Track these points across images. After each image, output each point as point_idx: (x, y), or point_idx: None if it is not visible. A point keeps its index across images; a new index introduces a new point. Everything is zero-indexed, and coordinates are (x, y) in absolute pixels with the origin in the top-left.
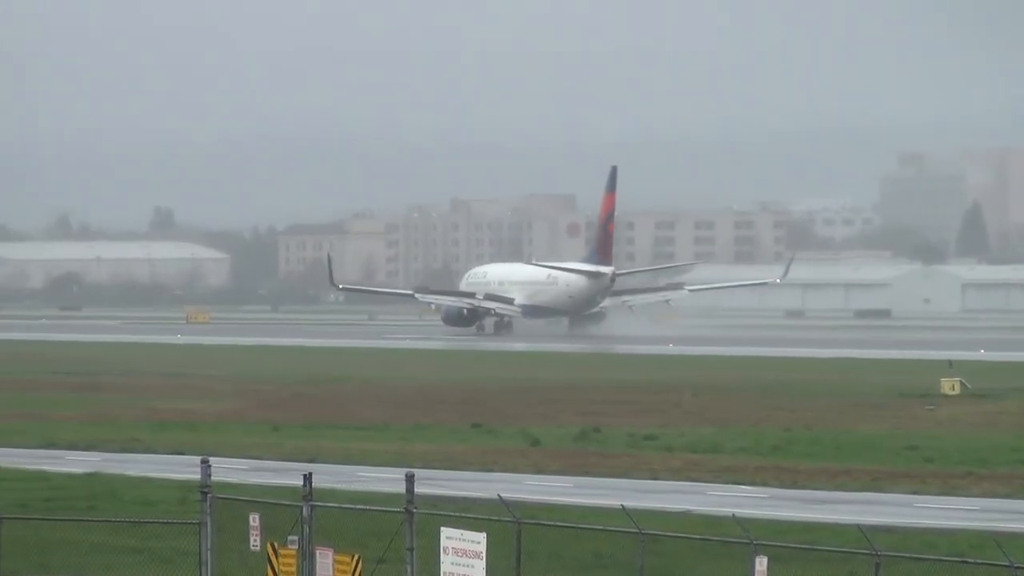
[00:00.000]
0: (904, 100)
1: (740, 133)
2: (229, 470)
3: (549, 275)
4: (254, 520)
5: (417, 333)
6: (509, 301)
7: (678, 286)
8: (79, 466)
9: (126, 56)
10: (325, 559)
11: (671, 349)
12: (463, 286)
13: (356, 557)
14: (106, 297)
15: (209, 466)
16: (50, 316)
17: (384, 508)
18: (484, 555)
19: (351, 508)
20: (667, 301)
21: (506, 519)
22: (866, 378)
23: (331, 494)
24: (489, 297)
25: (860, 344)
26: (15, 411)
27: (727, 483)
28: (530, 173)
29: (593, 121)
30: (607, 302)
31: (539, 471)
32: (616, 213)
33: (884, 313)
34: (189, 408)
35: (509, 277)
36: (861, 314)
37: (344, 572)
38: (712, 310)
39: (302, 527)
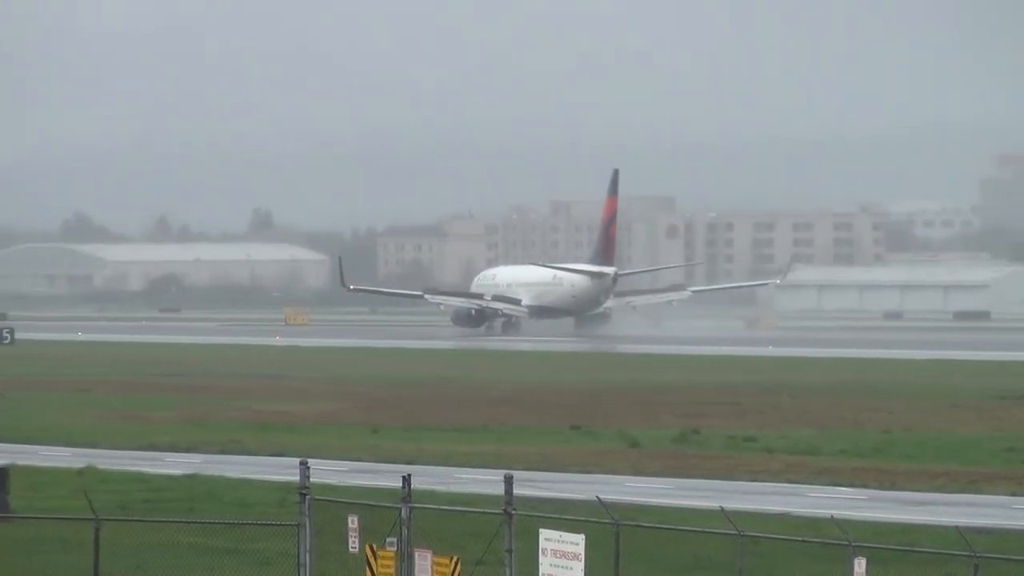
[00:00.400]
0: (1002, 100)
1: (838, 133)
2: (328, 472)
3: (554, 276)
4: (353, 522)
5: (525, 335)
6: (516, 302)
7: (680, 287)
8: (178, 468)
9: (225, 63)
10: (424, 561)
11: (769, 351)
12: (473, 287)
13: (455, 559)
14: (205, 299)
15: (308, 468)
16: (149, 318)
17: (483, 510)
18: (583, 557)
19: (450, 510)
20: (670, 302)
21: (605, 521)
22: (965, 380)
23: (430, 496)
24: (497, 298)
25: (959, 346)
26: (115, 412)
27: (826, 485)
28: (630, 174)
29: (693, 121)
30: (611, 302)
31: (638, 473)
32: (715, 214)
33: (983, 315)
34: (288, 410)
35: (517, 279)
36: (960, 316)
37: (443, 574)
38: (811, 312)
39: (400, 529)
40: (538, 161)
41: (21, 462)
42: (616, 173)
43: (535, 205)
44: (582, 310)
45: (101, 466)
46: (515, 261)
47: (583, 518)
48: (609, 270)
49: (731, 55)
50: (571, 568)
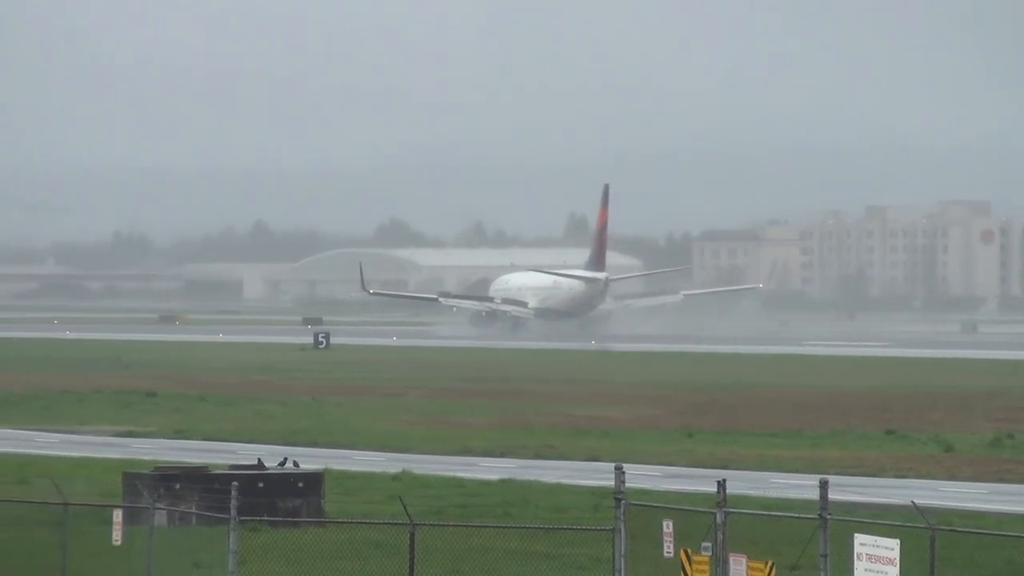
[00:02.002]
0: None
1: None
2: (642, 476)
3: (555, 281)
4: (668, 526)
5: (834, 339)
6: (523, 304)
7: (673, 291)
8: (493, 473)
9: (535, 71)
10: (739, 565)
11: None
12: (491, 291)
13: (769, 563)
14: None
15: (623, 472)
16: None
17: (797, 515)
18: (898, 562)
19: (764, 514)
20: (664, 305)
21: (920, 526)
22: None
23: (744, 500)
24: (506, 301)
25: None
26: (429, 417)
27: None
28: (948, 178)
29: (1008, 124)
30: (611, 305)
31: (952, 477)
32: None
33: None
34: (602, 414)
35: (525, 283)
36: None
37: None
38: None
39: (715, 533)
40: (856, 165)
41: (335, 467)
42: (607, 187)
43: (851, 210)
44: (580, 312)
45: (415, 471)
46: (829, 266)
47: (898, 523)
48: (601, 275)
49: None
50: (886, 573)
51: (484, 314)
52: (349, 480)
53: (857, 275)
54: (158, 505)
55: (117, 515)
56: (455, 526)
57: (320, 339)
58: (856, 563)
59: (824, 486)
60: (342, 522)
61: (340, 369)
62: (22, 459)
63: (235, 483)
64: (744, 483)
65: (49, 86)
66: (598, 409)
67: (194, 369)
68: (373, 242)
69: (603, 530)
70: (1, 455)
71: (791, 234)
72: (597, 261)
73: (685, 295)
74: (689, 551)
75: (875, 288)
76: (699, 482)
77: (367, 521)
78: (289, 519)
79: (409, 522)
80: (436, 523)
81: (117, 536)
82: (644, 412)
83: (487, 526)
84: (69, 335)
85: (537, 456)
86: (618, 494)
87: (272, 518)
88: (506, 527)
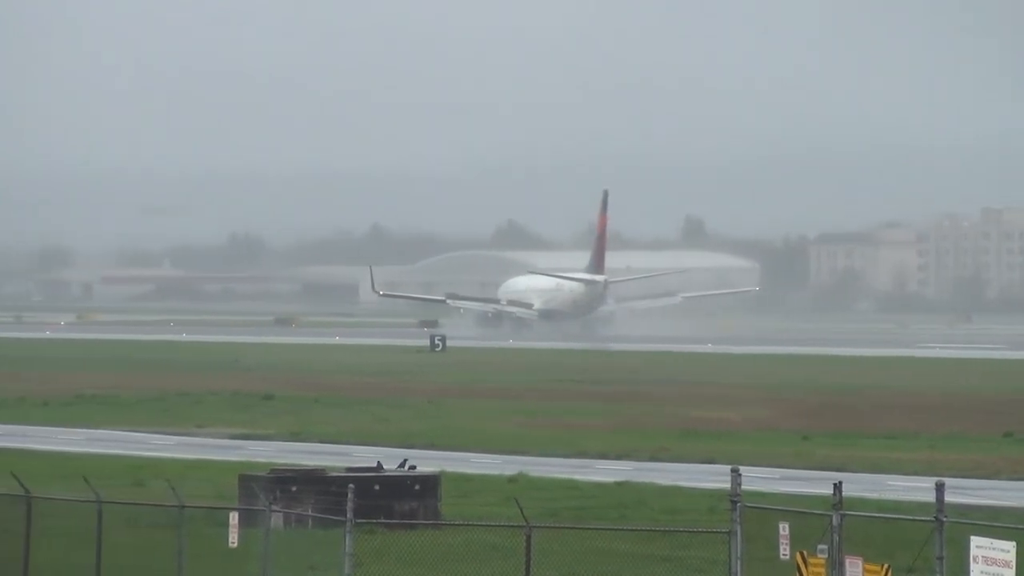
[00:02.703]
0: None
1: None
2: (759, 479)
3: (557, 284)
4: (783, 529)
5: (951, 341)
6: (529, 306)
7: (673, 293)
8: (609, 475)
9: (648, 70)
10: (855, 568)
11: None
12: (499, 293)
13: (886, 566)
14: None
15: (739, 475)
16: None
17: (913, 517)
18: (1014, 564)
19: (880, 517)
20: (664, 307)
21: None
22: None
23: (860, 503)
24: (511, 303)
25: None
26: (545, 420)
27: None
28: None
29: None
30: (613, 306)
31: None
32: None
33: None
34: (718, 417)
35: (531, 286)
36: None
37: None
38: None
39: (831, 536)
40: (972, 167)
41: (451, 469)
42: (606, 193)
43: (967, 212)
44: (580, 313)
45: (531, 473)
46: (945, 269)
47: (1015, 525)
48: (600, 278)
49: None
50: (1002, 575)
51: (490, 315)
52: (465, 482)
53: (973, 277)
54: (274, 507)
55: (233, 517)
56: (571, 528)
57: (436, 342)
58: (972, 566)
59: (940, 488)
60: (458, 524)
61: (456, 371)
62: (139, 461)
63: (351, 485)
64: (860, 485)
65: (155, 91)
66: (712, 411)
67: (310, 371)
68: (491, 244)
69: (719, 532)
70: (118, 457)
71: (908, 236)
72: (597, 264)
73: (684, 297)
74: (805, 553)
75: (991, 290)
76: (815, 484)
77: (483, 523)
78: (405, 521)
79: (525, 524)
80: (552, 525)
81: (233, 538)
82: (759, 414)
83: (603, 528)
84: (185, 337)
85: (652, 458)
86: (734, 496)
87: (388, 520)
88: (621, 529)
